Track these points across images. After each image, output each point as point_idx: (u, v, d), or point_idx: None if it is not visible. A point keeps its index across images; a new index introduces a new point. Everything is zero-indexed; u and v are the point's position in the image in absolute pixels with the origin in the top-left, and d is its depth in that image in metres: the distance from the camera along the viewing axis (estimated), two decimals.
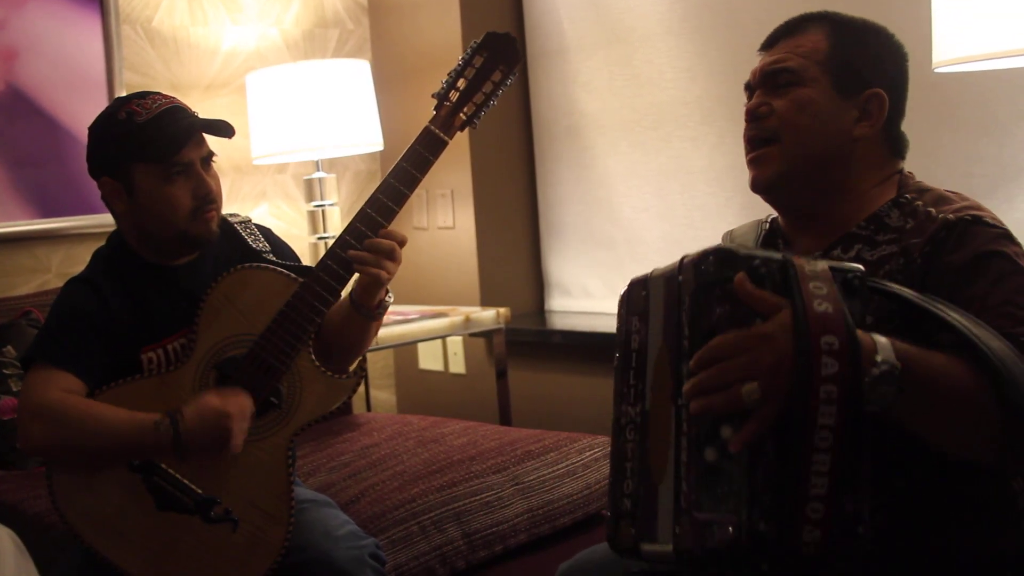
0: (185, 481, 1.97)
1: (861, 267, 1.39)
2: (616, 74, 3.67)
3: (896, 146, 1.68)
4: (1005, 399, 1.35)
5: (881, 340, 1.32)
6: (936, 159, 2.87)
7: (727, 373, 1.29)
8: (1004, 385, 1.35)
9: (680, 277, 1.39)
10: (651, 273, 1.50)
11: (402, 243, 2.04)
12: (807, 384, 1.26)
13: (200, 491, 1.97)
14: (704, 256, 1.35)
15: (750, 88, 1.71)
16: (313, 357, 2.04)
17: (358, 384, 2.08)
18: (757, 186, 1.67)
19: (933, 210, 1.56)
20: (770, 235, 1.75)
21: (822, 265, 1.35)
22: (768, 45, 1.71)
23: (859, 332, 1.30)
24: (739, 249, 1.34)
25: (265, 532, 1.99)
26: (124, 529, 1.98)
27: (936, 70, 2.34)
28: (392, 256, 2.02)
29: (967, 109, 2.84)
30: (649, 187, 3.63)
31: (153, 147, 2.02)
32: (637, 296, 1.52)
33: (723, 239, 1.83)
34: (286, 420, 2.03)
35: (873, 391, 1.30)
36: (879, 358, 1.30)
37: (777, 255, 1.35)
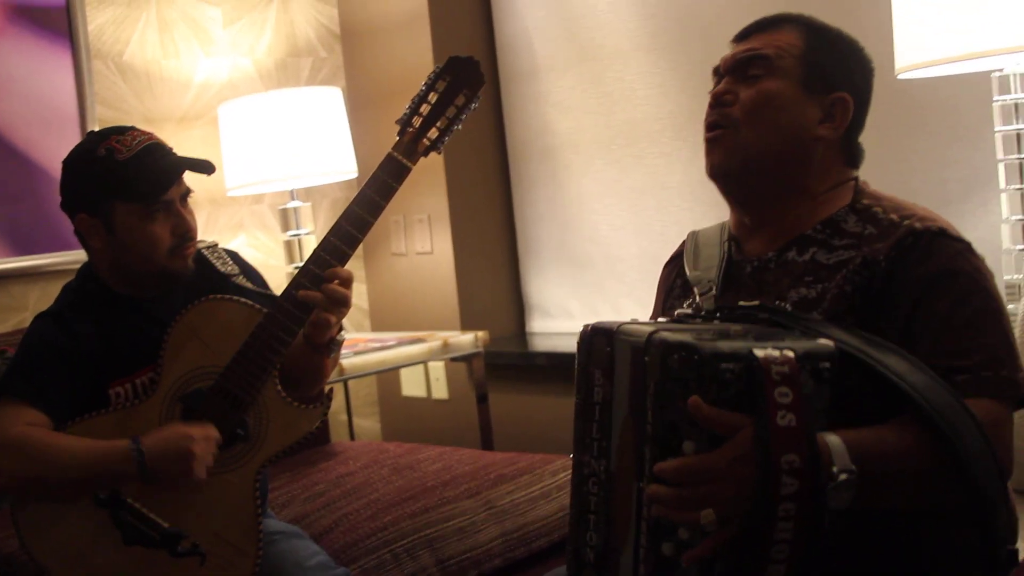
0: (152, 516, 1.96)
1: (832, 348, 1.33)
2: (588, 93, 3.67)
3: (852, 156, 1.68)
4: (955, 460, 1.36)
5: (836, 444, 1.31)
6: (910, 165, 2.87)
7: (686, 501, 1.29)
8: (952, 450, 1.36)
9: (646, 357, 1.35)
10: (616, 329, 1.49)
11: (346, 282, 2.01)
12: (766, 505, 1.26)
13: (167, 525, 1.96)
14: (671, 349, 1.31)
15: (719, 74, 1.71)
16: (279, 388, 2.03)
17: (324, 413, 2.06)
18: (714, 171, 1.67)
19: (895, 216, 1.56)
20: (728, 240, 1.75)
21: (790, 355, 1.28)
22: (742, 38, 1.71)
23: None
24: (704, 347, 1.29)
25: (233, 565, 1.98)
26: (93, 565, 1.97)
27: (899, 76, 2.34)
28: (346, 303, 2.01)
29: (937, 115, 2.84)
30: (625, 204, 3.62)
31: (136, 187, 2.02)
32: (600, 349, 1.51)
33: (688, 239, 1.83)
34: (253, 451, 2.02)
35: (831, 499, 1.30)
36: (836, 468, 1.30)
37: (745, 348, 1.29)
